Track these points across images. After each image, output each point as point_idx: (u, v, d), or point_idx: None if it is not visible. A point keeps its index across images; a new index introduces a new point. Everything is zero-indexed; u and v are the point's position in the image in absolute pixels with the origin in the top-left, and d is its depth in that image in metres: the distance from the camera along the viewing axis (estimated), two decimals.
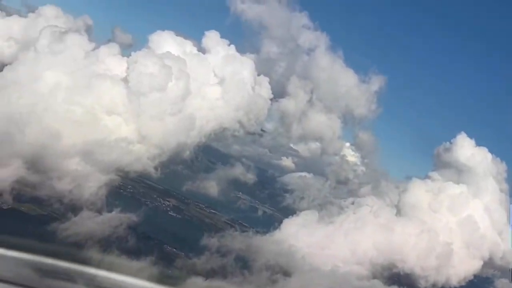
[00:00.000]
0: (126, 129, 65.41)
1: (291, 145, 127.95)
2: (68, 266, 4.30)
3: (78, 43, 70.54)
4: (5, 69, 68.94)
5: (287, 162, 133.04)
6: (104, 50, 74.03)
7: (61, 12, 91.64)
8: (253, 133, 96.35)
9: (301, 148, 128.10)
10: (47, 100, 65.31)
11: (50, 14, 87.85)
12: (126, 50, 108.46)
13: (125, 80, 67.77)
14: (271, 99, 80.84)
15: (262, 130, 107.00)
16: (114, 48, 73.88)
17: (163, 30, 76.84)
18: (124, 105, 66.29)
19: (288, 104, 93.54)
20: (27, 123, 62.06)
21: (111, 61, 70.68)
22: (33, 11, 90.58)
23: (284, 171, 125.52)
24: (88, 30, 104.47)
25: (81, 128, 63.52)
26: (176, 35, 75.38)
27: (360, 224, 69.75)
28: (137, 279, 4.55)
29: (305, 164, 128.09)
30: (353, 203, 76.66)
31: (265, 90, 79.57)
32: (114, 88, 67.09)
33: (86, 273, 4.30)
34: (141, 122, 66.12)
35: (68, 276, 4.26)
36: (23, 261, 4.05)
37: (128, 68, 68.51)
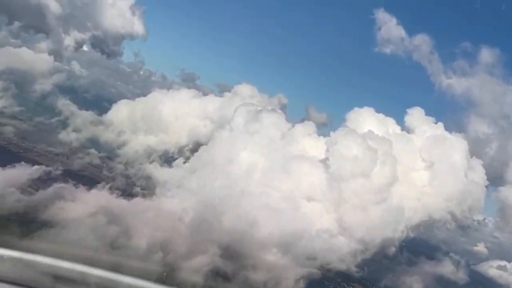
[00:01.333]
0: (327, 218, 57.91)
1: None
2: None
3: (274, 122, 66.84)
4: (201, 149, 67.58)
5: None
6: (299, 129, 69.42)
7: (256, 91, 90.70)
8: (467, 227, 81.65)
9: None
10: (243, 183, 61.15)
11: (245, 93, 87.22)
12: (321, 129, 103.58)
13: (324, 162, 61.32)
14: (486, 186, 67.85)
15: (475, 220, 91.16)
16: (310, 127, 68.82)
17: (361, 107, 70.05)
18: (324, 191, 59.32)
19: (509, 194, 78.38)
20: (224, 207, 58.01)
21: (308, 141, 65.34)
22: (228, 91, 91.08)
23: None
24: (283, 109, 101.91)
25: (279, 215, 57.53)
26: (376, 112, 68.02)
27: None
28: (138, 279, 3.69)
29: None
30: None
31: (479, 175, 67.09)
32: (312, 171, 60.88)
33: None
34: (342, 211, 58.21)
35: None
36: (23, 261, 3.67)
37: (327, 149, 62.26)
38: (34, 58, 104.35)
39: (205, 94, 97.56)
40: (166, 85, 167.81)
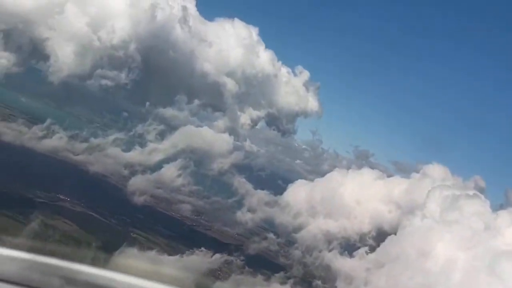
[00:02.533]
0: None
1: None
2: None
3: (475, 209, 56.49)
4: (388, 239, 59.95)
5: None
6: (504, 217, 57.65)
7: (448, 172, 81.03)
8: None
9: None
10: (441, 283, 51.33)
11: (436, 174, 77.54)
12: None
13: None
14: None
15: None
16: None
17: None
18: None
19: None
20: None
21: None
22: (406, 170, 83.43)
23: None
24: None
25: None
26: None
27: None
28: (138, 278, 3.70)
29: None
30: None
31: None
32: None
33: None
34: None
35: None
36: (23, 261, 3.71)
37: None
38: (215, 137, 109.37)
39: (389, 175, 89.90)
40: (338, 162, 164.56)
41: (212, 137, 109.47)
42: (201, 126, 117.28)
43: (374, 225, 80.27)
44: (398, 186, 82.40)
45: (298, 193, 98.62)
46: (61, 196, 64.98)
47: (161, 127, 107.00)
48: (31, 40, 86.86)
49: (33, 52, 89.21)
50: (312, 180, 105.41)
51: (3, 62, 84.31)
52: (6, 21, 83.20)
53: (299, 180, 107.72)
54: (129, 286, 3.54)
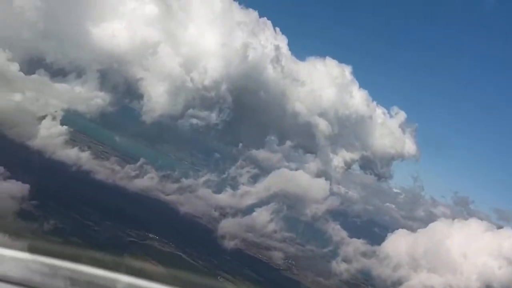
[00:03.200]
0: None
1: None
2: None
3: None
4: None
5: None
6: None
7: None
8: None
9: None
10: None
11: None
12: None
13: None
14: None
15: None
16: None
17: None
18: None
19: None
20: None
21: None
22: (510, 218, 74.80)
23: None
24: None
25: None
26: None
27: None
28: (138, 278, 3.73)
29: None
30: None
31: None
32: None
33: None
34: None
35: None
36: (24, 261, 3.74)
37: None
38: (310, 182, 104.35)
39: (480, 219, 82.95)
40: (434, 208, 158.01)
41: (307, 181, 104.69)
42: (293, 168, 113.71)
43: (483, 282, 75.66)
44: (509, 239, 73.73)
45: (398, 244, 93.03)
46: (151, 235, 63.61)
47: (255, 170, 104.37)
48: (125, 80, 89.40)
49: (127, 91, 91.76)
50: (409, 228, 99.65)
51: (99, 102, 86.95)
52: (102, 62, 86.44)
53: (400, 230, 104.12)
54: (129, 286, 3.51)
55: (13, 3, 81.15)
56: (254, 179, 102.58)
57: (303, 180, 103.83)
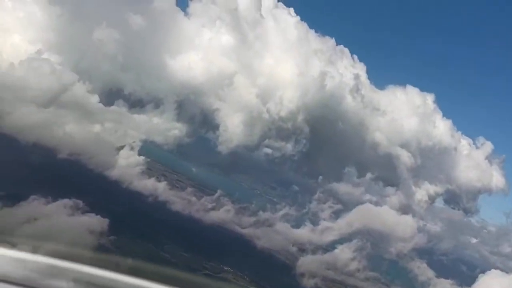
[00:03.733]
0: None
1: None
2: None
3: None
4: None
5: None
6: None
7: None
8: None
9: None
10: None
11: None
12: None
13: None
14: None
15: None
16: None
17: None
18: None
19: None
20: None
21: None
22: None
23: None
24: None
25: None
26: None
27: None
28: (138, 278, 3.71)
29: None
30: None
31: None
32: None
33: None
34: None
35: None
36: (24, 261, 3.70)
37: None
38: (396, 219, 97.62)
39: None
40: None
41: (393, 218, 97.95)
42: (373, 202, 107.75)
43: None
44: None
45: (491, 286, 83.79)
46: (226, 268, 61.41)
47: (338, 205, 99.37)
48: (202, 111, 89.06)
49: (203, 122, 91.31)
50: (499, 266, 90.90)
51: (175, 132, 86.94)
52: (179, 93, 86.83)
53: (493, 271, 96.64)
54: (129, 286, 3.54)
55: (93, 36, 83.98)
56: (336, 214, 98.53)
57: (389, 216, 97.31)
